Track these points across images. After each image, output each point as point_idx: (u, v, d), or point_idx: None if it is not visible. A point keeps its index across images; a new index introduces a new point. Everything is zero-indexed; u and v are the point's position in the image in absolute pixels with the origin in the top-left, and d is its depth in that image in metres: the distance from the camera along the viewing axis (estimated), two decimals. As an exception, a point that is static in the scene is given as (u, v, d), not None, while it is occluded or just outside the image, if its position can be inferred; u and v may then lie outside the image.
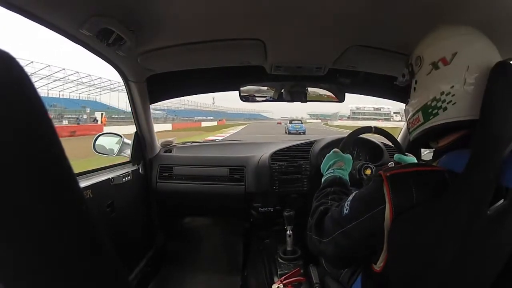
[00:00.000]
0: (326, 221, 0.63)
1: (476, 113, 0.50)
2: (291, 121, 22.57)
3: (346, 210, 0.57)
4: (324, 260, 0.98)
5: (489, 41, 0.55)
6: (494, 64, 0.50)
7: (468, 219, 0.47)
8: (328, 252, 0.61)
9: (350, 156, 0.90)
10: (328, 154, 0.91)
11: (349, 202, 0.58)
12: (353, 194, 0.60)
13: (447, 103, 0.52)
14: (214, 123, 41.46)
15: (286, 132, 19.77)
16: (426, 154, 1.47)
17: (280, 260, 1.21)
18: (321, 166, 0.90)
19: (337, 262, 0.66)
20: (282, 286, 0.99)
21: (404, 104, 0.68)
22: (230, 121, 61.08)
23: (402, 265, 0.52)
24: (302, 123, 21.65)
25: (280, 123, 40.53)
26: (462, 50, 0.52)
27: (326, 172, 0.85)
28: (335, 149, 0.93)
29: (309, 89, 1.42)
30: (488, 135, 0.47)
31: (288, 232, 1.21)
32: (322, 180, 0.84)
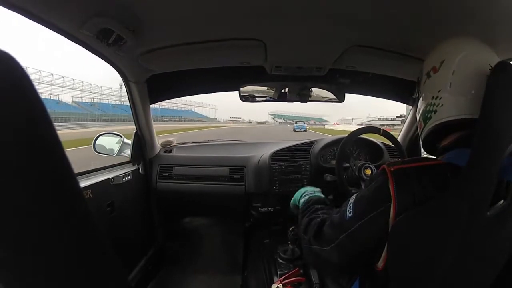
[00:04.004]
0: (326, 230, 0.64)
1: (468, 112, 0.52)
2: (296, 122, 30.00)
3: (350, 213, 0.58)
4: (325, 271, 0.97)
5: (481, 45, 0.57)
6: (484, 66, 0.52)
7: (468, 218, 0.47)
8: (333, 259, 0.60)
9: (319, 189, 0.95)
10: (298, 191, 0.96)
11: (351, 205, 0.59)
12: (354, 196, 0.60)
13: (437, 106, 0.57)
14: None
15: (294, 130, 26.10)
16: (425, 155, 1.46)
17: (280, 260, 1.21)
18: (294, 197, 0.95)
19: (342, 269, 0.66)
20: (281, 286, 0.98)
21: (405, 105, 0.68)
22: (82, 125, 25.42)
23: (402, 264, 0.52)
24: (304, 123, 28.36)
25: None
26: (448, 57, 0.57)
27: (304, 196, 0.89)
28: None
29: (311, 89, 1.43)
30: (488, 134, 0.47)
31: (288, 233, 1.21)
32: (302, 201, 0.87)
